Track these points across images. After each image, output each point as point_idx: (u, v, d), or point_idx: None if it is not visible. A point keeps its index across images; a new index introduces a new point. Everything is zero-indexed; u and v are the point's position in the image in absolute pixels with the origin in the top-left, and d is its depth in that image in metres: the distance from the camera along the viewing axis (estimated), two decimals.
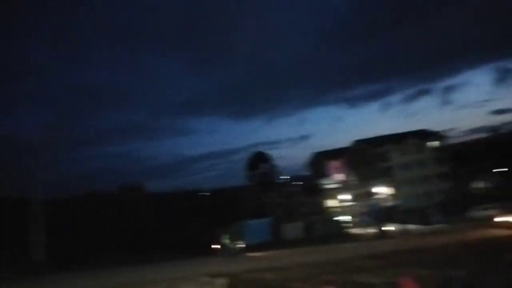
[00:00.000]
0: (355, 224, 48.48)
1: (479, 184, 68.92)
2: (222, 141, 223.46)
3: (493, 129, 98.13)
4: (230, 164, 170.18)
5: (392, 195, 55.22)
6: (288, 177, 76.06)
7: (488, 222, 32.59)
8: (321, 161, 66.86)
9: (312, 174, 72.22)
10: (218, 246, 38.00)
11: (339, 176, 64.77)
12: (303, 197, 54.17)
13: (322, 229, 45.52)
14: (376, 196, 52.83)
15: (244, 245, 36.92)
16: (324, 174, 63.69)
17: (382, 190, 53.92)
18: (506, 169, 72.17)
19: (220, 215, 55.42)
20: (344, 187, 55.98)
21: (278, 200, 52.87)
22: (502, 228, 27.91)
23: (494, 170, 71.94)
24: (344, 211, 50.70)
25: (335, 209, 52.00)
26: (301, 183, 71.97)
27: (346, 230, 42.53)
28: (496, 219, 31.51)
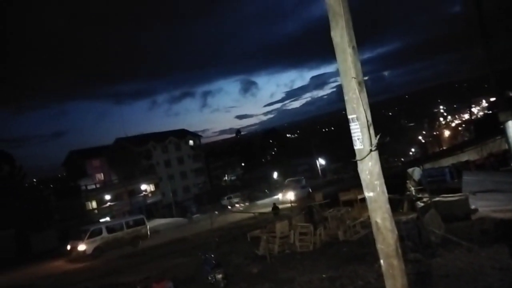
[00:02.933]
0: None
1: (226, 177, 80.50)
2: None
3: (237, 131, 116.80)
4: None
5: (153, 191, 56.71)
6: (35, 180, 65.95)
7: (233, 209, 38.33)
8: (78, 160, 61.31)
9: (68, 175, 65.28)
10: None
11: (100, 176, 61.18)
12: (56, 201, 48.15)
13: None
14: (139, 194, 52.99)
15: None
16: (83, 175, 58.69)
17: (144, 188, 54.56)
18: (246, 164, 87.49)
19: None
20: (105, 187, 53.33)
21: (24, 207, 44.71)
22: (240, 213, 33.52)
23: (238, 165, 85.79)
24: (105, 212, 48.21)
25: (95, 211, 48.69)
26: (52, 186, 63.94)
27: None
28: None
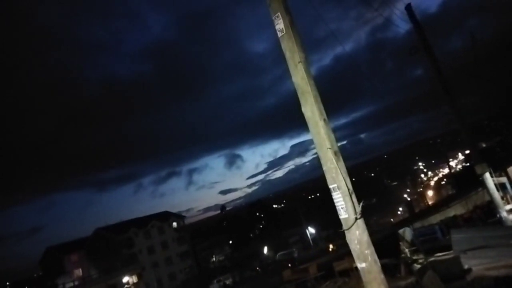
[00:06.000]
0: None
1: (214, 258, 76.87)
2: None
3: (222, 207, 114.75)
4: None
5: (137, 283, 53.07)
6: (8, 283, 61.21)
7: None
8: (55, 257, 57.64)
9: (45, 274, 60.90)
10: None
11: (78, 272, 57.24)
12: None
13: None
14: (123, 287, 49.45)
15: None
16: (60, 272, 54.82)
17: (126, 280, 51.08)
18: (234, 241, 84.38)
19: None
20: (84, 284, 49.63)
21: None
22: None
23: (226, 243, 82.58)
24: None
25: None
26: (27, 287, 59.36)
27: None
28: None
